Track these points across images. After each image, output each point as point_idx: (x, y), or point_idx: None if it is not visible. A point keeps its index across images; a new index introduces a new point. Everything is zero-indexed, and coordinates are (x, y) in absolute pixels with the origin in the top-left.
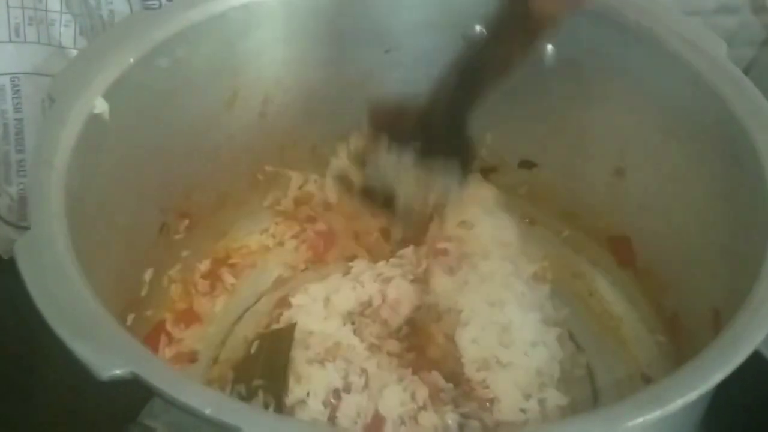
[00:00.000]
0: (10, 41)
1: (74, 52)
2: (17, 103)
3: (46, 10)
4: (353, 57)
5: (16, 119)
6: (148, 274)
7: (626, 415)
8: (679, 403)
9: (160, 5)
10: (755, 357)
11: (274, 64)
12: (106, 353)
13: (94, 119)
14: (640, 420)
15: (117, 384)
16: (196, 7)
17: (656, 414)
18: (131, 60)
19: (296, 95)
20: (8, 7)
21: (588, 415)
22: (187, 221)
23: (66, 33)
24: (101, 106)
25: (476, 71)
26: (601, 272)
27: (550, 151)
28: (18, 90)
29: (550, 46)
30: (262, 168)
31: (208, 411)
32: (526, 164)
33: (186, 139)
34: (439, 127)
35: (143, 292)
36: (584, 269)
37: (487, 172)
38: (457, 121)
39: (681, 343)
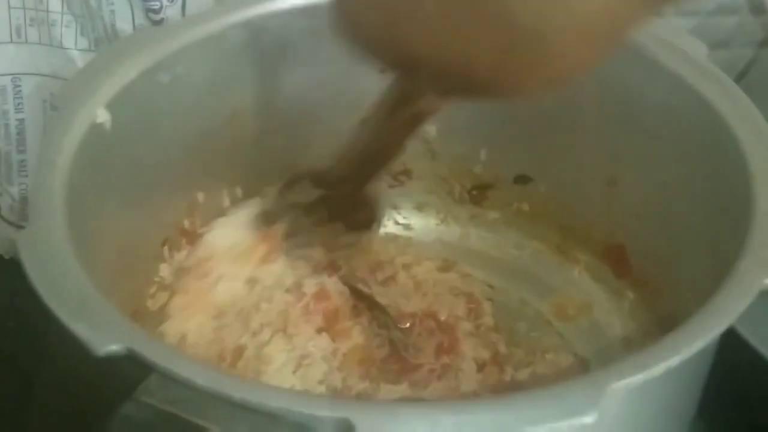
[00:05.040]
0: (12, 42)
1: (75, 53)
2: (18, 104)
3: (47, 11)
4: (349, 78)
5: (17, 120)
6: (153, 288)
7: (609, 378)
8: (662, 366)
9: (161, 6)
10: (755, 357)
11: (272, 84)
12: (103, 331)
13: (96, 128)
14: (623, 383)
15: (114, 365)
16: (197, 25)
17: (639, 377)
18: (133, 74)
19: (294, 116)
20: (9, 7)
21: (572, 380)
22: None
23: (67, 34)
24: (103, 116)
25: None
26: (599, 284)
27: (545, 165)
28: (19, 90)
29: None
30: (261, 188)
31: (199, 381)
32: (522, 179)
33: (185, 155)
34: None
35: (147, 304)
36: (583, 282)
37: (484, 189)
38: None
39: None
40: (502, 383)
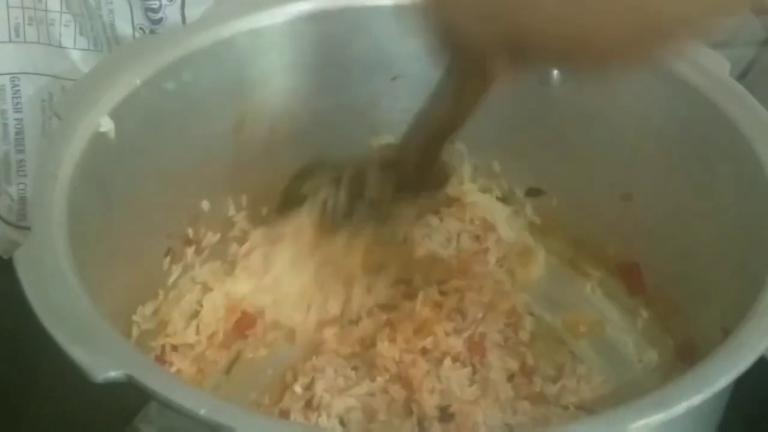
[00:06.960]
0: (10, 41)
1: (74, 53)
2: (17, 103)
3: (45, 10)
4: (360, 85)
5: (16, 119)
6: (149, 305)
7: (629, 417)
8: (683, 406)
9: (160, 5)
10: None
11: (281, 91)
12: (102, 356)
13: (100, 137)
14: (642, 422)
15: (112, 390)
16: (203, 31)
17: (659, 417)
18: (138, 81)
19: (304, 123)
20: (8, 6)
21: (590, 418)
22: (193, 248)
23: (66, 33)
24: (107, 125)
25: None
26: (611, 301)
27: (558, 178)
28: (18, 90)
29: (555, 71)
30: (267, 195)
31: (202, 412)
32: (534, 192)
33: (192, 163)
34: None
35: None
36: (595, 298)
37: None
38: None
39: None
40: (533, 394)
